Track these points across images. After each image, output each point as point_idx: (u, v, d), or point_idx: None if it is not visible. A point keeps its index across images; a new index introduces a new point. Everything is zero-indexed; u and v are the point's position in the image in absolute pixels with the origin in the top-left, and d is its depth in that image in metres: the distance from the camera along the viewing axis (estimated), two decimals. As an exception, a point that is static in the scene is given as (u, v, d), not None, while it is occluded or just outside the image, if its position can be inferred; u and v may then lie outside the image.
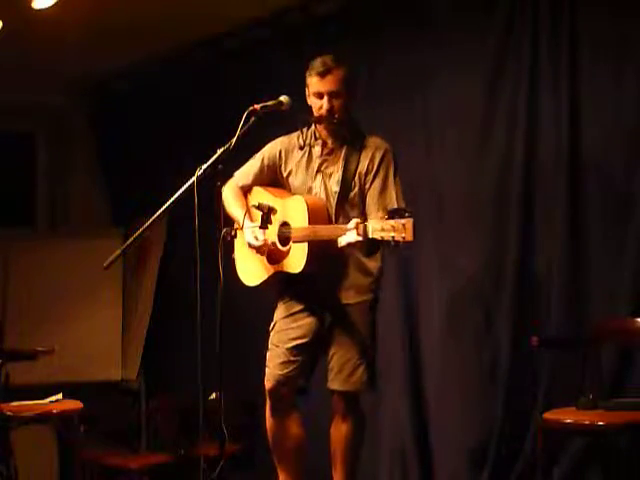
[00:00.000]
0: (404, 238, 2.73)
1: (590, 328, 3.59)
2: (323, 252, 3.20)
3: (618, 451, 3.44)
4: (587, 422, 3.15)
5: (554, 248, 3.84)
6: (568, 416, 3.22)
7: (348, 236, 2.91)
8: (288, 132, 3.51)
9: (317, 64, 3.31)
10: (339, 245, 2.96)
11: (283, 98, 3.29)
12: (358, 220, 2.90)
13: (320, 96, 3.31)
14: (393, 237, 2.74)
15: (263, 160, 3.52)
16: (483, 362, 4.03)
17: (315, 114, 3.34)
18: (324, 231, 3.14)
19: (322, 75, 3.29)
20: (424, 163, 4.27)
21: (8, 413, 3.88)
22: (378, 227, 2.79)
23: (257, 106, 3.15)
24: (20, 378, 4.47)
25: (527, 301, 3.93)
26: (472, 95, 4.11)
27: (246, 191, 3.55)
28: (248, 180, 3.54)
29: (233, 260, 3.50)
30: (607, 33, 3.71)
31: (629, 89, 3.66)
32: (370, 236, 2.82)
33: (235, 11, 4.63)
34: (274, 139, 3.54)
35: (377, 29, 4.44)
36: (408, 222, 2.74)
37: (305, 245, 3.21)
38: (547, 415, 3.26)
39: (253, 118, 3.11)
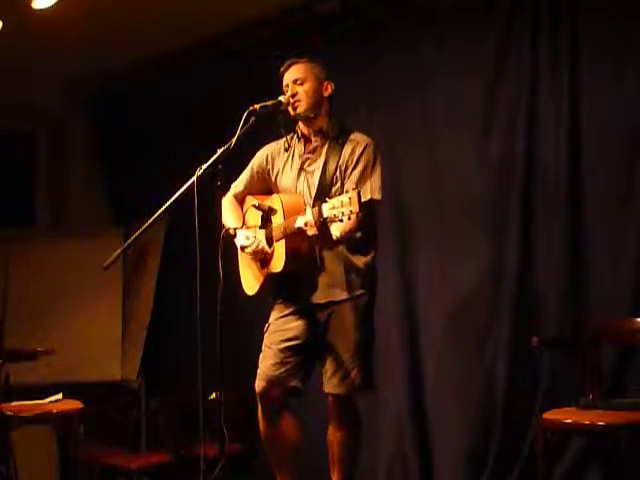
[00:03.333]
0: (352, 211, 2.78)
1: (590, 328, 3.59)
2: (299, 246, 3.22)
3: (618, 451, 3.44)
4: (587, 422, 3.15)
5: (554, 248, 3.84)
6: (568, 416, 3.22)
7: (304, 216, 2.95)
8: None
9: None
10: (296, 225, 3.00)
11: (282, 98, 3.32)
12: (317, 203, 2.92)
13: (287, 88, 3.37)
14: (342, 212, 2.80)
15: (253, 168, 3.55)
16: (483, 362, 4.03)
17: (290, 111, 3.36)
18: (291, 222, 3.12)
19: (287, 68, 3.41)
20: (424, 164, 4.27)
21: (8, 413, 3.88)
22: (330, 206, 2.84)
23: (257, 106, 3.18)
24: (20, 378, 4.46)
25: (527, 301, 3.93)
26: (472, 95, 4.11)
27: (240, 202, 3.57)
28: (240, 189, 3.57)
29: (234, 263, 3.51)
30: (607, 33, 3.71)
31: (629, 89, 3.66)
32: (325, 215, 2.85)
33: (235, 11, 4.63)
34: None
35: (377, 29, 4.45)
36: (353, 193, 2.80)
37: (283, 242, 3.22)
38: (547, 415, 3.26)
39: (253, 118, 3.13)
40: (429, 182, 4.25)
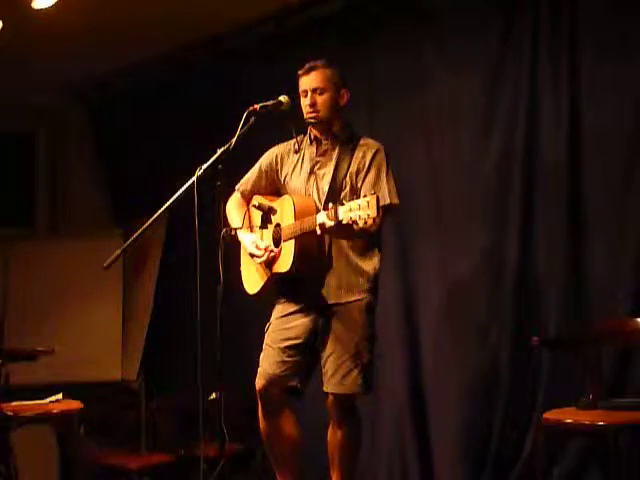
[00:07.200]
0: (369, 215, 2.79)
1: (590, 328, 3.58)
2: (310, 249, 3.22)
3: (618, 451, 3.43)
4: (587, 422, 3.14)
5: (554, 248, 3.85)
6: (568, 416, 3.22)
7: (322, 215, 2.95)
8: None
9: (304, 65, 3.38)
10: (316, 224, 2.99)
11: (282, 98, 3.31)
12: (332, 205, 2.92)
13: (305, 94, 3.36)
14: (359, 216, 2.80)
15: (261, 167, 3.55)
16: (483, 362, 4.03)
17: (304, 115, 3.36)
18: (306, 222, 3.14)
19: (306, 73, 3.37)
20: (424, 163, 4.27)
21: (8, 413, 3.88)
22: (347, 208, 2.85)
23: (257, 106, 3.18)
24: (20, 378, 4.46)
25: (527, 301, 3.93)
26: (472, 95, 4.11)
27: (247, 199, 3.57)
28: (247, 187, 3.58)
29: (235, 263, 3.51)
30: (607, 33, 3.71)
31: (629, 89, 3.66)
32: (340, 218, 2.86)
33: (235, 11, 4.63)
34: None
35: (377, 29, 4.45)
36: (372, 198, 2.80)
37: (292, 242, 3.22)
38: (547, 415, 3.25)
39: (253, 118, 3.13)
40: (429, 181, 4.25)
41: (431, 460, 4.18)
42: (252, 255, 3.37)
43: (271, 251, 3.33)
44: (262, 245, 3.34)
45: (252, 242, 3.38)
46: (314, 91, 3.34)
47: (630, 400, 3.33)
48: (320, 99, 3.34)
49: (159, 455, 4.88)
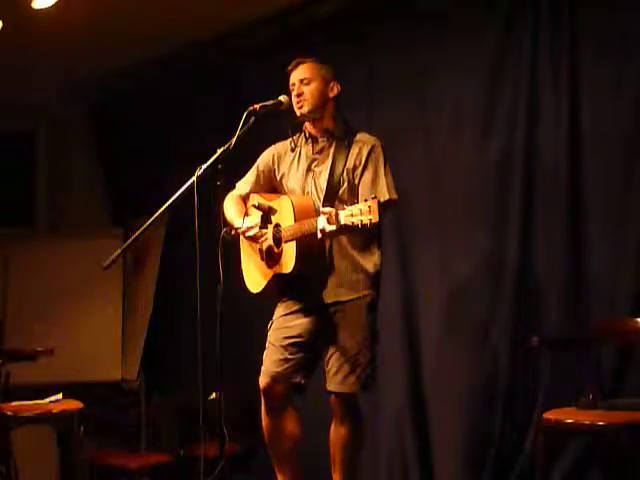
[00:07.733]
0: (371, 220, 2.80)
1: (590, 328, 3.59)
2: (310, 249, 3.22)
3: (618, 451, 3.43)
4: (587, 422, 3.14)
5: (554, 248, 3.85)
6: (568, 416, 3.22)
7: (322, 220, 2.96)
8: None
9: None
10: (318, 229, 3.00)
11: (282, 98, 3.32)
12: (332, 209, 2.93)
13: (294, 87, 3.39)
14: (361, 221, 2.81)
15: (258, 167, 3.56)
16: (483, 362, 4.03)
17: (295, 110, 3.37)
18: (307, 225, 3.15)
19: (294, 68, 3.42)
20: (424, 163, 4.27)
21: (8, 413, 3.88)
22: (348, 213, 2.86)
23: (256, 106, 3.18)
24: (20, 378, 4.46)
25: (527, 301, 3.93)
26: (472, 95, 4.11)
27: (245, 199, 3.57)
28: (246, 188, 3.58)
29: (235, 263, 3.51)
30: (607, 33, 3.71)
31: (629, 89, 3.66)
32: (342, 223, 2.87)
33: (236, 11, 4.63)
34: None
35: (377, 29, 4.45)
36: (373, 203, 2.81)
37: (293, 243, 3.23)
38: (547, 415, 3.26)
39: (253, 118, 3.13)
40: (429, 181, 4.25)
41: (431, 460, 4.18)
42: (245, 231, 3.33)
43: (269, 246, 3.32)
44: (253, 222, 3.33)
45: (249, 219, 3.36)
46: (301, 82, 3.37)
47: (630, 400, 3.33)
48: (307, 89, 3.36)
49: (159, 455, 4.88)
